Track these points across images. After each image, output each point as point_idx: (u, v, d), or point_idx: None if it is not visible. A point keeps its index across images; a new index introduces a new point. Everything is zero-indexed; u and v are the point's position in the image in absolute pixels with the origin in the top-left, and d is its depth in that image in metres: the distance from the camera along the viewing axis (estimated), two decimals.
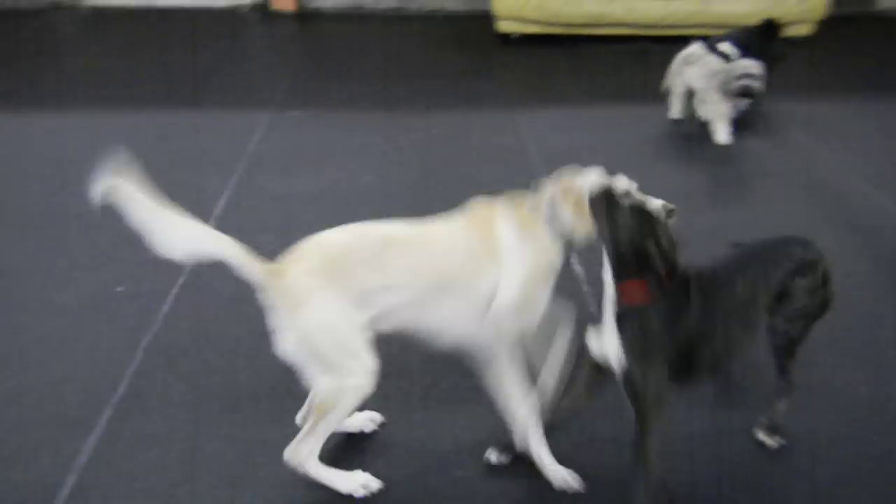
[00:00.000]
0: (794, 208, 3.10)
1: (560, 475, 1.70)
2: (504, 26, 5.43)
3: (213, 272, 2.50)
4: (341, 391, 1.59)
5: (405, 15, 6.20)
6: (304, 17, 6.08)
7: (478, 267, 1.67)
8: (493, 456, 1.76)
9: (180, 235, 1.65)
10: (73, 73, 4.68)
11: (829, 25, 5.59)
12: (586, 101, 4.09)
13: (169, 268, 2.51)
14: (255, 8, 6.19)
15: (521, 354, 1.75)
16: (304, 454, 1.65)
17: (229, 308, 2.39)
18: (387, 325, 1.65)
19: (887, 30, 6.09)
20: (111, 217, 2.61)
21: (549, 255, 1.69)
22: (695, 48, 3.78)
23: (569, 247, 1.71)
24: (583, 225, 1.63)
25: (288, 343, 1.61)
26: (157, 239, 1.62)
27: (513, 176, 3.34)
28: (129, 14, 6.02)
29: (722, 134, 3.68)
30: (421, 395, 2.03)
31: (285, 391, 1.94)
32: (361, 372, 1.60)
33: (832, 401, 2.00)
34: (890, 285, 2.56)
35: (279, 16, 6.03)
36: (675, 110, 3.87)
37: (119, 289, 2.51)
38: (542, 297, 1.69)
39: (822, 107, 4.29)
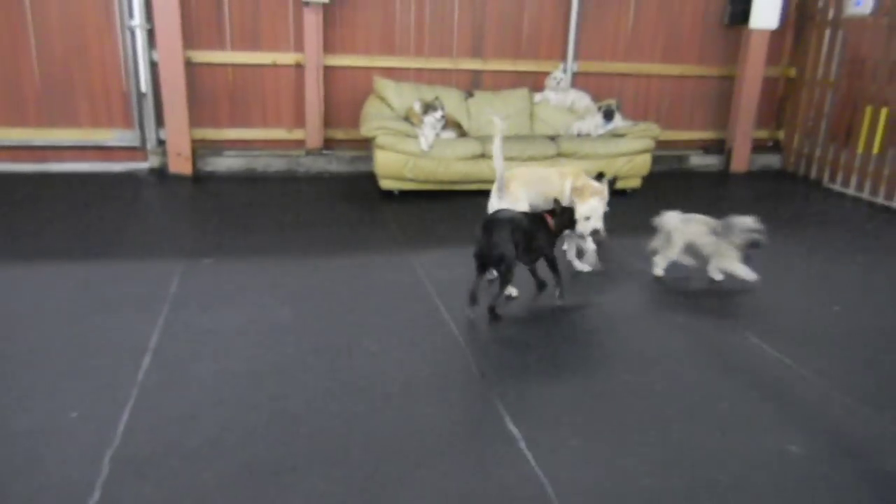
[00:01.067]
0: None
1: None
2: (385, 184, 6.20)
3: (161, 394, 2.89)
4: None
5: (295, 176, 6.87)
6: (200, 179, 6.59)
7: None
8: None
9: None
10: None
11: (652, 179, 6.81)
12: (463, 242, 4.80)
13: (117, 393, 2.88)
14: (152, 171, 6.67)
15: None
16: None
17: (183, 422, 2.73)
18: None
19: (695, 181, 7.42)
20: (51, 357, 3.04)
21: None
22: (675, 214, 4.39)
23: None
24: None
25: None
26: None
27: (413, 304, 3.94)
28: (26, 178, 6.30)
29: (749, 273, 4.28)
30: None
31: (249, 485, 2.31)
32: None
33: None
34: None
35: (177, 178, 6.52)
36: (661, 268, 4.44)
37: (73, 414, 2.78)
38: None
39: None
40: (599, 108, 6.79)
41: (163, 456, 2.53)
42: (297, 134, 6.99)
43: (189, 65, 6.49)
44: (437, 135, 6.22)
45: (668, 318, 3.91)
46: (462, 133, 6.53)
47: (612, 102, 6.88)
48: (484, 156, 6.15)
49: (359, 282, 4.23)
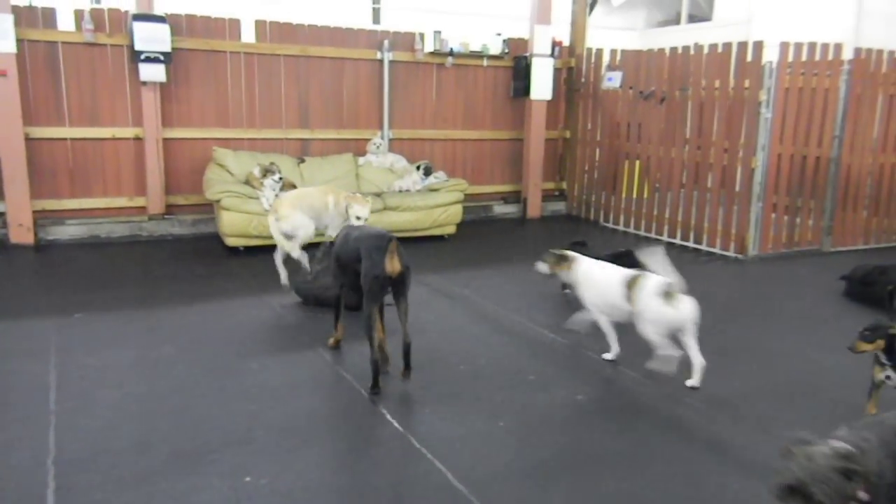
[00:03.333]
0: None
1: None
2: (231, 241, 6.84)
3: (77, 415, 3.41)
4: None
5: (139, 240, 7.28)
6: (42, 247, 6.83)
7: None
8: None
9: None
10: None
11: (464, 226, 8.01)
12: None
13: (37, 419, 3.39)
14: None
15: None
16: None
17: (106, 431, 3.31)
18: None
19: (499, 225, 8.75)
20: None
21: None
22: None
23: None
24: None
25: None
26: None
27: (279, 330, 4.68)
28: None
29: None
30: None
31: (179, 466, 2.97)
32: None
33: None
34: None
35: (19, 247, 6.72)
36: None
37: (1, 437, 3.24)
38: None
39: (469, 274, 6.36)
40: (418, 167, 7.92)
41: (98, 454, 3.09)
42: (139, 201, 7.44)
43: (28, 140, 6.78)
44: (276, 195, 6.99)
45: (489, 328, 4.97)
46: None
47: (427, 162, 8.05)
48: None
49: (227, 320, 4.90)
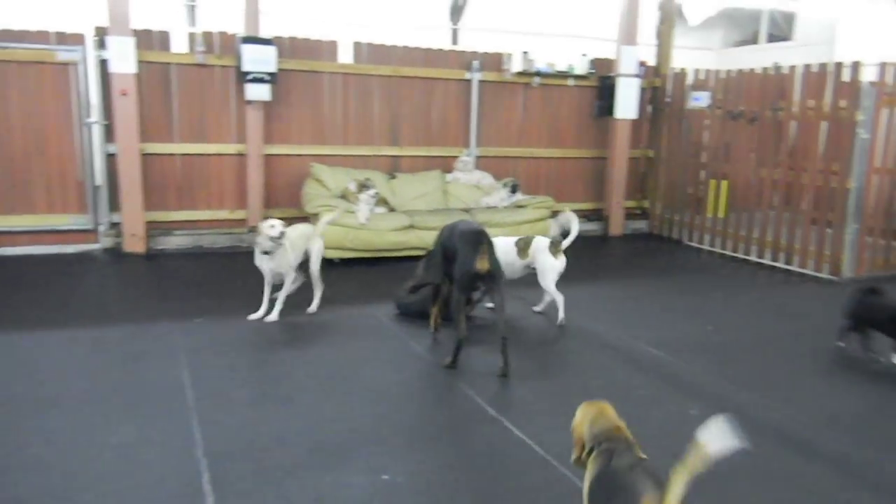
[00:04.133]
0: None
1: None
2: (328, 253, 7.07)
3: (215, 411, 3.63)
4: None
5: (238, 251, 7.60)
6: (152, 256, 7.22)
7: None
8: None
9: None
10: None
11: None
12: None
13: (180, 415, 3.63)
14: (105, 251, 7.24)
15: None
16: None
17: (248, 427, 3.53)
18: None
19: (583, 243, 8.80)
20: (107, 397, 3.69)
21: None
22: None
23: None
24: None
25: None
26: None
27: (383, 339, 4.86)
28: None
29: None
30: None
31: (319, 462, 3.17)
32: None
33: None
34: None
35: (131, 256, 7.12)
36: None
37: (152, 432, 3.49)
38: None
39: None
40: (505, 184, 8.08)
41: (243, 448, 3.32)
42: (239, 214, 7.80)
43: (142, 155, 7.21)
44: (371, 210, 7.25)
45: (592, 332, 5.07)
46: (390, 209, 7.60)
47: (514, 180, 8.20)
48: (412, 227, 7.25)
49: (334, 327, 5.19)
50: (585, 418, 2.55)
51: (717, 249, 8.46)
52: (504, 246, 5.32)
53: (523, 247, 5.52)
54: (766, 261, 7.81)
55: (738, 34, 17.49)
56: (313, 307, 5.49)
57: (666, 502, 2.02)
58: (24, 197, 7.02)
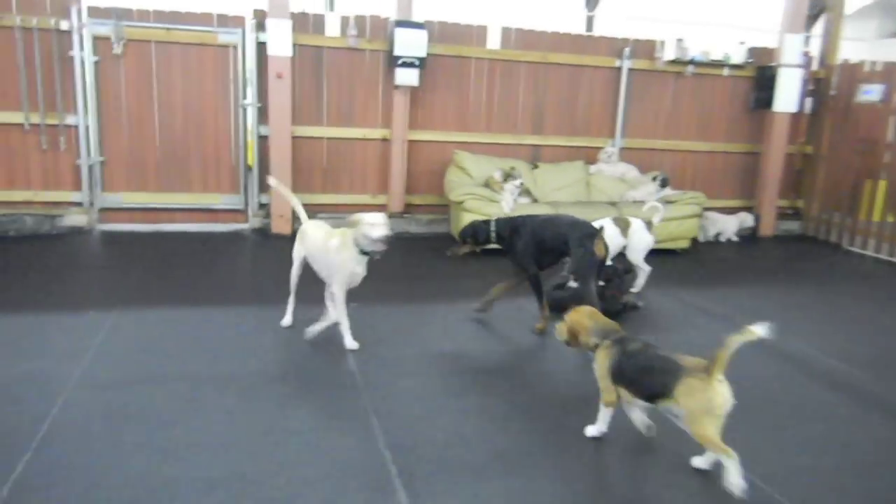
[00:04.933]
0: None
1: None
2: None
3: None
4: None
5: None
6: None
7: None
8: None
9: None
10: (89, 283, 5.56)
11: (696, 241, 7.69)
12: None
13: None
14: (254, 231, 7.42)
15: None
16: None
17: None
18: None
19: (730, 244, 8.31)
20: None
21: None
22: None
23: None
24: None
25: None
26: None
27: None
28: (138, 236, 7.01)
29: None
30: None
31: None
32: None
33: None
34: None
35: (278, 237, 7.25)
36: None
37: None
38: None
39: (721, 291, 6.08)
40: (654, 178, 7.70)
41: (423, 443, 3.21)
42: (381, 199, 7.81)
43: (292, 138, 7.31)
44: (515, 200, 7.07)
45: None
46: (533, 199, 7.39)
47: (664, 173, 7.81)
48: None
49: (495, 319, 4.98)
50: (583, 318, 3.25)
51: (884, 256, 7.77)
52: (609, 229, 5.61)
53: (624, 227, 5.82)
54: None
55: (894, 24, 16.17)
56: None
57: (717, 364, 2.82)
58: (182, 175, 7.28)
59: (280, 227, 7.33)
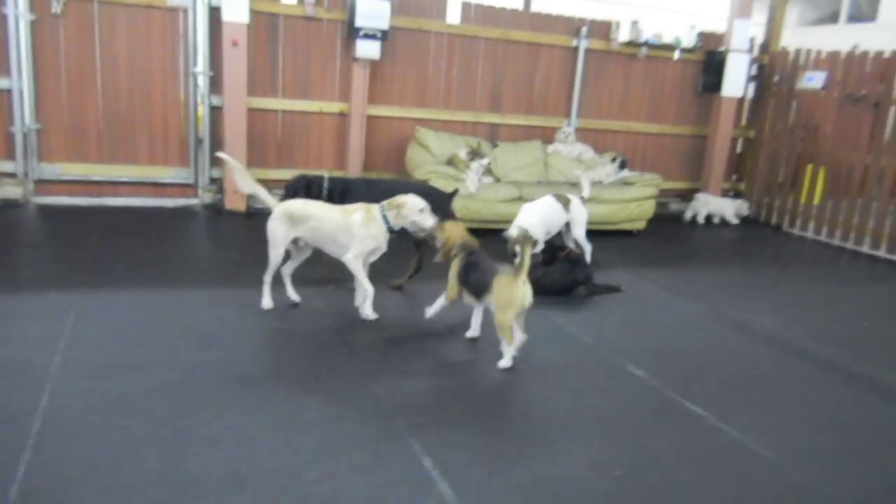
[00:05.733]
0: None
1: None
2: None
3: None
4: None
5: None
6: (252, 215, 6.99)
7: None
8: None
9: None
10: (38, 261, 5.16)
11: (653, 222, 7.82)
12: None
13: None
14: (205, 207, 7.04)
15: None
16: None
17: None
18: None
19: (676, 225, 8.52)
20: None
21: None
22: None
23: None
24: None
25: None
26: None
27: None
28: (79, 210, 6.54)
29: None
30: None
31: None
32: None
33: None
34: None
35: (232, 213, 6.92)
36: None
37: None
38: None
39: (690, 274, 6.21)
40: (614, 159, 7.78)
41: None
42: (336, 174, 7.54)
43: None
44: (480, 179, 6.99)
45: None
46: (496, 178, 7.33)
47: (623, 155, 7.89)
48: (521, 199, 6.97)
49: None
50: (457, 233, 4.09)
51: (823, 238, 8.15)
52: (554, 204, 5.83)
53: (565, 203, 5.92)
54: (882, 253, 7.49)
55: (814, 12, 16.91)
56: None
57: (521, 269, 3.68)
58: (127, 146, 6.81)
59: (234, 203, 6.99)
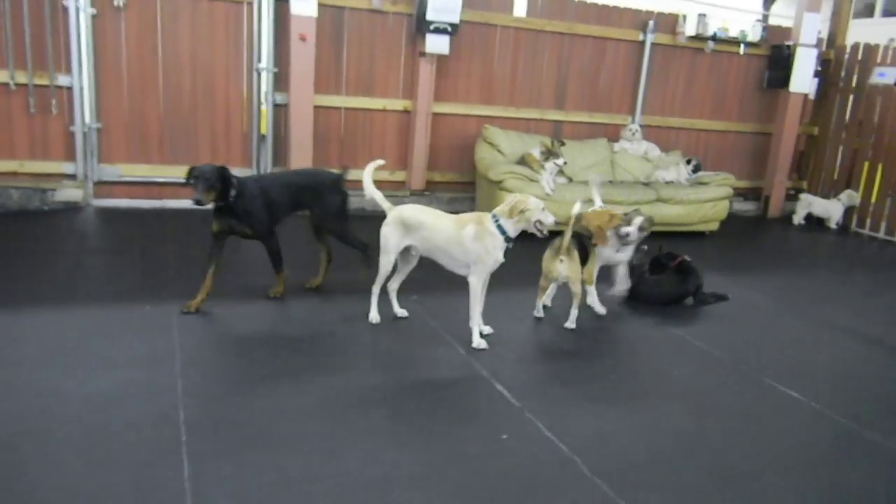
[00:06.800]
0: None
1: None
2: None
3: None
4: None
5: None
6: None
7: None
8: None
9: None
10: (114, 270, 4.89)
11: (727, 223, 7.56)
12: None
13: None
14: None
15: None
16: None
17: None
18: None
19: (740, 225, 8.26)
20: None
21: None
22: None
23: None
24: None
25: None
26: None
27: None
28: (140, 214, 6.26)
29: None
30: None
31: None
32: None
33: None
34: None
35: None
36: None
37: None
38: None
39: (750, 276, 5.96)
40: (688, 162, 7.48)
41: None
42: (399, 175, 7.28)
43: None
44: (555, 179, 6.71)
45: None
46: (568, 178, 7.05)
47: (698, 159, 7.59)
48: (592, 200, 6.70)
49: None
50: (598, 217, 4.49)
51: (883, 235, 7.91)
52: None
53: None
54: None
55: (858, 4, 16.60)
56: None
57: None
58: (189, 145, 6.52)
59: None
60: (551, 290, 4.59)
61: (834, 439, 3.22)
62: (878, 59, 8.19)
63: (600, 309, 4.57)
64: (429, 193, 7.36)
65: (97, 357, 3.36)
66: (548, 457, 2.83)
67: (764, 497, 2.67)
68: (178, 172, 6.44)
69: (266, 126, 6.67)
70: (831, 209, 8.29)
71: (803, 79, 8.26)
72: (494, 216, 3.84)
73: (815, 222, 8.45)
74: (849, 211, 8.28)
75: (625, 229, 4.48)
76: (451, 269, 4.00)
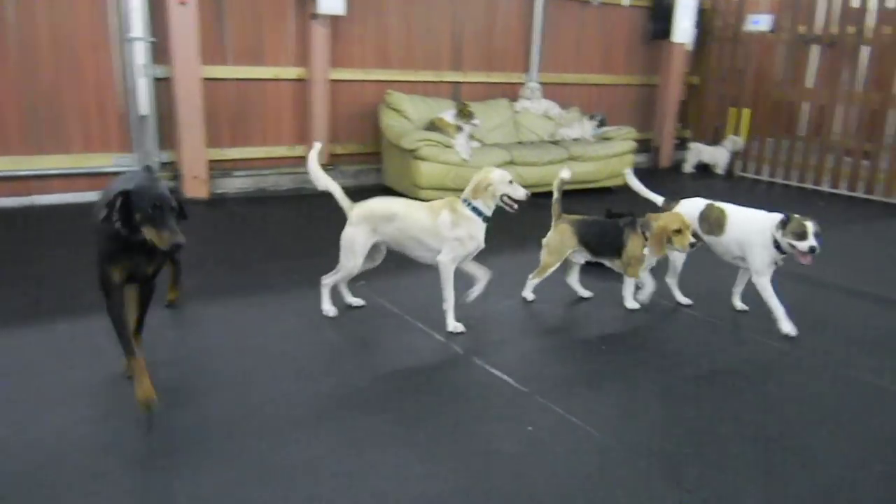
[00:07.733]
0: None
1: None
2: (426, 195, 6.26)
3: None
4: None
5: (303, 193, 6.57)
6: (216, 202, 6.10)
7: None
8: None
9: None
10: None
11: None
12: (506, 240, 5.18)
13: None
14: None
15: None
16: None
17: None
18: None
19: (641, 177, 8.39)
20: None
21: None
22: None
23: None
24: None
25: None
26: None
27: None
28: (6, 214, 5.37)
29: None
30: None
31: None
32: None
33: None
34: None
35: (193, 202, 5.95)
36: None
37: None
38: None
39: None
40: (592, 117, 7.44)
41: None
42: (298, 150, 6.72)
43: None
44: (469, 144, 6.44)
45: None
46: (480, 142, 6.80)
47: (602, 114, 7.56)
48: (512, 163, 6.52)
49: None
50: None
51: (779, 180, 8.33)
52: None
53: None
54: (843, 191, 7.75)
55: None
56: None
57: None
58: (57, 132, 5.64)
59: (195, 189, 6.02)
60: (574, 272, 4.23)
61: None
62: (752, 7, 8.51)
63: (632, 304, 4.11)
64: (332, 168, 6.85)
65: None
66: (586, 445, 2.59)
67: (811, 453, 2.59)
68: (47, 163, 5.64)
69: (144, 104, 5.89)
70: (717, 155, 8.61)
71: (685, 29, 8.45)
72: (465, 199, 3.52)
73: (702, 169, 8.76)
74: (734, 156, 8.63)
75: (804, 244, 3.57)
76: (423, 261, 3.63)
